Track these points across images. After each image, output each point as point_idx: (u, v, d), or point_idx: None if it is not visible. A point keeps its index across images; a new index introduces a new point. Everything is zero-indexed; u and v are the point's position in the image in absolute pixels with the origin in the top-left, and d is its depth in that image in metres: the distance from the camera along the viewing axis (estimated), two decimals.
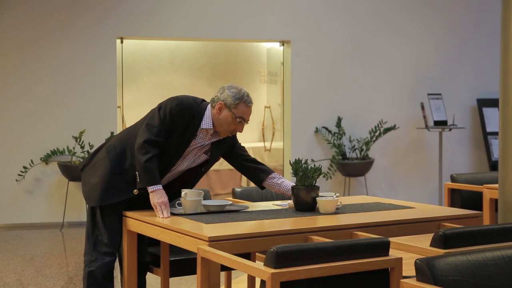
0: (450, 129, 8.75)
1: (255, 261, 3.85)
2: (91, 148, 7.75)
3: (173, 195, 3.68)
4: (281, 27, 8.56)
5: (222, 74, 10.91)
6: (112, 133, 7.79)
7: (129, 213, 3.55)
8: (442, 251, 2.81)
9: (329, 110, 8.66)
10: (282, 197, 4.10)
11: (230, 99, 3.54)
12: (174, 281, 5.15)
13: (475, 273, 2.33)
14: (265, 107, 10.33)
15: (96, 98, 8.02)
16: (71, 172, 7.61)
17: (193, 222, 3.25)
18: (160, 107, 3.58)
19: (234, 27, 8.45)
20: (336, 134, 8.53)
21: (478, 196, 5.22)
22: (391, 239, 2.87)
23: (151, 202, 3.45)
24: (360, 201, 3.99)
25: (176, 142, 3.55)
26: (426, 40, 9.06)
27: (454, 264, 2.31)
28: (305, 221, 3.30)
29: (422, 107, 8.70)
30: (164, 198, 3.44)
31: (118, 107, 8.35)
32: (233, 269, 3.47)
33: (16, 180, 7.82)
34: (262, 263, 2.59)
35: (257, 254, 3.90)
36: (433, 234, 2.94)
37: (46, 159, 7.85)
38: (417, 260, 2.32)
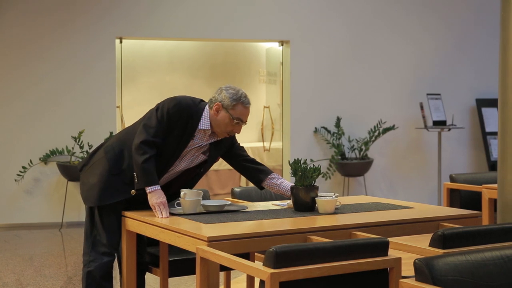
0: (449, 129, 8.75)
1: (254, 261, 3.85)
2: (90, 148, 7.74)
3: (172, 195, 3.67)
4: (280, 27, 8.56)
5: (221, 74, 10.90)
6: (111, 133, 7.78)
7: (128, 213, 3.55)
8: (441, 251, 2.81)
9: (328, 110, 8.65)
10: (281, 197, 4.09)
11: (228, 100, 3.51)
12: (173, 281, 5.15)
13: (474, 273, 2.33)
14: (264, 107, 10.33)
15: (95, 98, 8.02)
16: (70, 172, 7.61)
17: (192, 222, 3.25)
18: (157, 107, 3.57)
19: (233, 27, 8.44)
20: (335, 134, 8.52)
21: (477, 196, 5.22)
22: (390, 239, 2.87)
23: (150, 202, 3.44)
24: (359, 201, 3.99)
25: (174, 143, 3.53)
26: (426, 40, 9.06)
27: (453, 264, 2.31)
28: (304, 221, 3.30)
29: (421, 107, 8.70)
30: (163, 198, 3.43)
31: (117, 107, 8.35)
32: (232, 269, 3.46)
33: (15, 180, 7.81)
34: (261, 263, 2.59)
35: (256, 254, 3.89)
36: (432, 234, 2.94)
37: (45, 159, 7.85)
38: (416, 260, 2.33)
